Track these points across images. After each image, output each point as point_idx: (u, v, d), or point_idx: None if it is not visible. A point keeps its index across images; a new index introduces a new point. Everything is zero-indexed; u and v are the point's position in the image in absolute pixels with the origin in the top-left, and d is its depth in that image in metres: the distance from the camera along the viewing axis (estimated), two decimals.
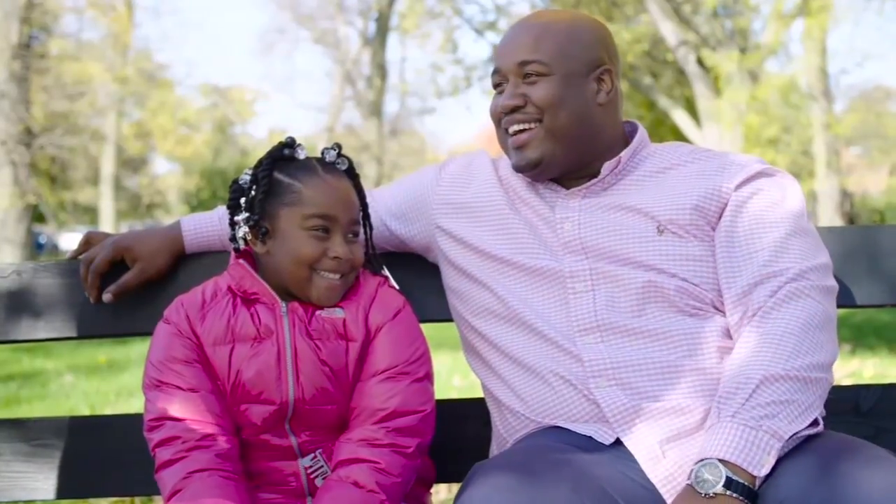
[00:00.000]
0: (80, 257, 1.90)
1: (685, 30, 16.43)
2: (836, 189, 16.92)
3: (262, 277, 1.64)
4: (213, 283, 1.69)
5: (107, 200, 23.60)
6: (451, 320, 1.86)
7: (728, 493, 1.34)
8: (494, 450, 1.77)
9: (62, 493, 1.93)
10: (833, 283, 1.60)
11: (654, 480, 1.48)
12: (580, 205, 1.69)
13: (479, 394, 1.82)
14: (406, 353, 1.63)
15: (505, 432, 1.69)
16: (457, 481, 1.69)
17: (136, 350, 7.77)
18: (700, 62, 16.46)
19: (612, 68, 1.72)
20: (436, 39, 20.12)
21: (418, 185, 1.88)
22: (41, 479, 1.93)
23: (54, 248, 28.30)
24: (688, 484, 1.39)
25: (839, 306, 1.64)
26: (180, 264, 1.92)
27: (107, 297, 1.86)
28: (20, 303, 1.93)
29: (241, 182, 1.66)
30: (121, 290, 1.86)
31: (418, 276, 1.89)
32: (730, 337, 1.59)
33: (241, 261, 1.66)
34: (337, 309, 1.63)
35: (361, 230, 1.70)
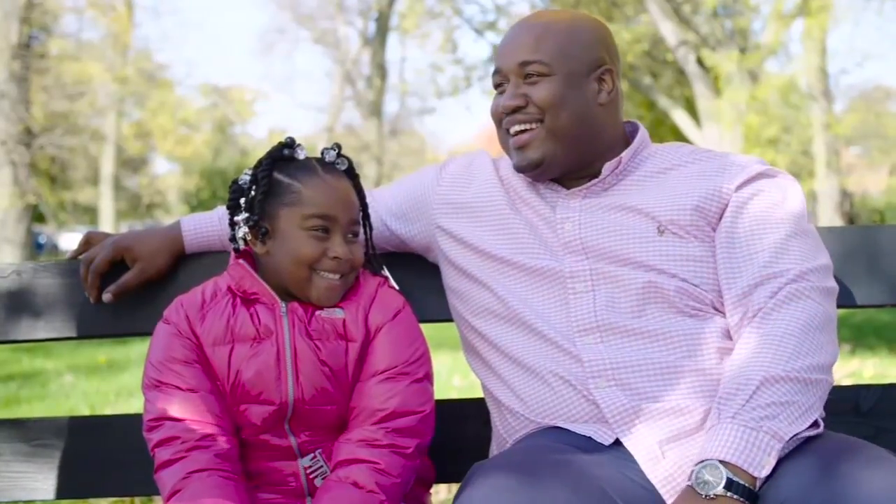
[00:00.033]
0: (80, 257, 1.90)
1: (685, 30, 16.43)
2: (836, 189, 16.92)
3: (262, 278, 1.64)
4: (213, 283, 1.69)
5: (107, 200, 23.60)
6: (451, 320, 1.86)
7: (729, 494, 1.34)
8: (494, 450, 1.77)
9: (62, 493, 1.93)
10: (833, 284, 1.60)
11: (653, 481, 1.48)
12: (581, 205, 1.69)
13: (479, 394, 1.82)
14: (406, 353, 1.63)
15: (504, 432, 1.69)
16: (456, 481, 1.69)
17: (136, 350, 7.77)
18: (700, 62, 16.46)
19: (612, 68, 1.72)
20: (436, 39, 20.15)
21: (419, 184, 1.88)
22: (41, 479, 1.93)
23: (54, 248, 28.29)
24: (688, 485, 1.39)
25: (839, 306, 1.64)
26: (180, 264, 1.92)
27: (107, 297, 1.86)
28: (20, 303, 1.93)
29: (240, 182, 1.66)
30: (121, 290, 1.86)
31: (418, 276, 1.89)
32: (729, 338, 1.59)
33: (240, 261, 1.66)
34: (337, 309, 1.63)
35: (361, 230, 1.70)
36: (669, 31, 16.30)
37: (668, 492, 1.47)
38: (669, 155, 1.73)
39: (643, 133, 1.76)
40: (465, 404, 1.98)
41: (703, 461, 1.38)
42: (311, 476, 1.64)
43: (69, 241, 26.91)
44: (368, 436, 1.57)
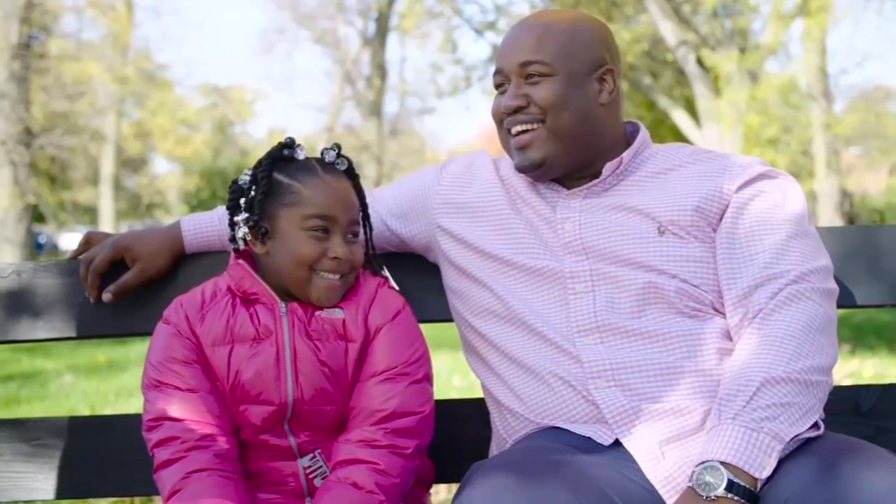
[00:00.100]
0: (80, 257, 1.90)
1: (685, 30, 16.42)
2: (836, 189, 16.92)
3: (262, 278, 1.64)
4: (213, 283, 1.69)
5: (107, 200, 23.61)
6: (451, 320, 1.86)
7: (730, 496, 1.34)
8: (494, 450, 1.77)
9: (62, 493, 1.93)
10: (834, 285, 1.60)
11: (653, 481, 1.48)
12: (581, 205, 1.69)
13: (479, 394, 1.82)
14: (405, 354, 1.63)
15: (504, 433, 1.69)
16: (456, 481, 1.68)
17: (136, 350, 7.77)
18: (700, 62, 16.46)
19: (614, 68, 1.71)
20: (435, 39, 20.15)
21: (419, 184, 1.88)
22: (41, 479, 1.93)
23: (54, 248, 28.29)
24: (689, 486, 1.39)
25: (839, 306, 1.64)
26: (180, 264, 1.91)
27: (106, 296, 1.86)
28: (20, 303, 1.93)
29: (240, 182, 1.66)
30: (120, 290, 1.86)
31: (418, 276, 1.89)
32: (729, 338, 1.59)
33: (240, 261, 1.66)
34: (336, 309, 1.63)
35: (361, 230, 1.70)
36: (669, 31, 16.30)
37: (667, 492, 1.46)
38: (670, 155, 1.73)
39: (644, 133, 1.76)
40: (465, 404, 1.98)
41: (703, 462, 1.38)
42: (310, 476, 1.64)
43: (69, 241, 26.90)
44: (368, 436, 1.57)
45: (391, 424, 1.58)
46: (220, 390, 1.62)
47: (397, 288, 1.72)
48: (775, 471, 1.37)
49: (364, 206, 1.70)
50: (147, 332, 1.77)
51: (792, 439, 1.40)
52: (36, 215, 18.99)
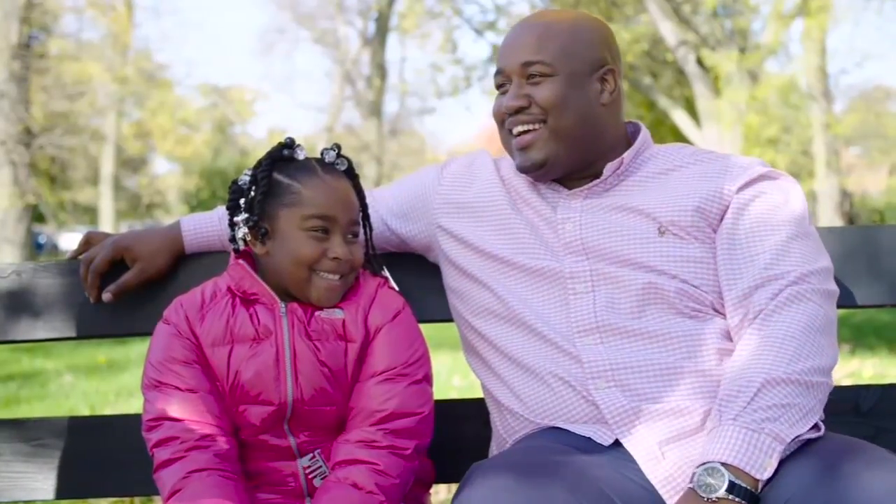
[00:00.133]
0: (80, 257, 1.90)
1: (685, 30, 16.42)
2: (836, 189, 16.91)
3: (262, 278, 1.64)
4: (213, 283, 1.69)
5: (106, 200, 23.61)
6: (451, 320, 1.86)
7: (731, 497, 1.34)
8: (494, 450, 1.77)
9: (62, 493, 1.93)
10: (834, 287, 1.60)
11: (653, 481, 1.48)
12: (582, 205, 1.69)
13: (479, 394, 1.81)
14: (405, 354, 1.63)
15: (504, 433, 1.69)
16: (456, 482, 1.68)
17: (136, 350, 7.77)
18: (700, 62, 16.45)
19: (615, 68, 1.71)
20: (435, 39, 20.14)
21: (419, 184, 1.88)
22: (41, 480, 1.93)
23: (54, 248, 28.29)
24: (690, 487, 1.39)
25: (839, 307, 1.64)
26: (180, 264, 1.91)
27: (106, 296, 1.86)
28: (20, 303, 1.93)
29: (240, 183, 1.66)
30: (120, 290, 1.86)
31: (418, 276, 1.89)
32: (729, 339, 1.58)
33: (240, 261, 1.66)
34: (336, 310, 1.63)
35: (361, 230, 1.70)
36: (669, 31, 16.29)
37: (668, 492, 1.46)
38: (671, 156, 1.73)
39: (645, 134, 1.76)
40: (465, 404, 1.97)
41: (704, 463, 1.38)
42: (310, 476, 1.64)
43: (69, 241, 26.90)
44: (367, 437, 1.57)
45: (390, 425, 1.58)
46: (219, 390, 1.62)
47: (397, 288, 1.72)
48: (776, 472, 1.37)
49: (364, 207, 1.70)
50: (147, 332, 1.77)
51: (793, 440, 1.40)
52: (36, 215, 18.99)
